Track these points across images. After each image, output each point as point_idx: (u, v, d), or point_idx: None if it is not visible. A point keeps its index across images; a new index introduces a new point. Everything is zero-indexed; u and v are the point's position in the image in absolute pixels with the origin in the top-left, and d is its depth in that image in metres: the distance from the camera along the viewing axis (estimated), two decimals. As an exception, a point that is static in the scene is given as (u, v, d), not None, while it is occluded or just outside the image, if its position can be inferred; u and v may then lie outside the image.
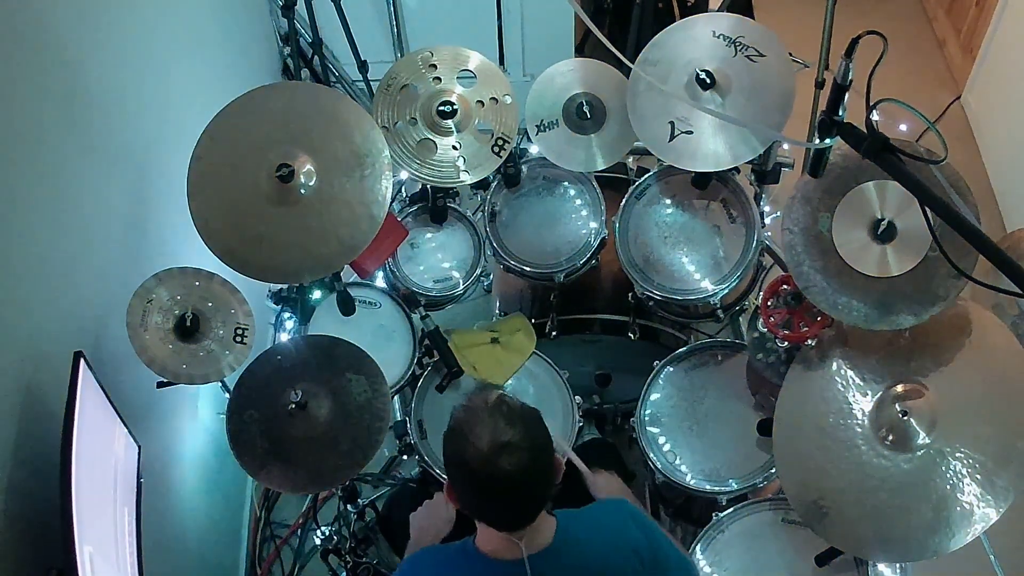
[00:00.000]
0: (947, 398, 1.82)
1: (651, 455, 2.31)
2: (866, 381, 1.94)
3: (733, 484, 2.22)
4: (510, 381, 2.46)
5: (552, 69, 2.46)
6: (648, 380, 2.40)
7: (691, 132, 2.22)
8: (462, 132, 2.35)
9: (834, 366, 1.99)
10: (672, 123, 2.23)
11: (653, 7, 3.43)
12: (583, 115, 2.41)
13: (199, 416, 2.63)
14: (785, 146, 2.53)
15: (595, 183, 2.55)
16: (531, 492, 1.52)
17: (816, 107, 2.43)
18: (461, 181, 2.36)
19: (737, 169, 2.40)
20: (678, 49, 2.24)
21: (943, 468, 1.77)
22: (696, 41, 2.23)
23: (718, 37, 2.20)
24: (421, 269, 2.54)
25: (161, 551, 2.23)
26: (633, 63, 2.10)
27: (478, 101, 2.37)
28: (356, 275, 2.45)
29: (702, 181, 2.41)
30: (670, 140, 2.24)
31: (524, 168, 2.58)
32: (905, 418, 1.82)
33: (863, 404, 1.91)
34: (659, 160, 2.39)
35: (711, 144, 2.21)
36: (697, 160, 2.24)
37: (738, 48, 2.18)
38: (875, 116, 1.55)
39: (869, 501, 1.84)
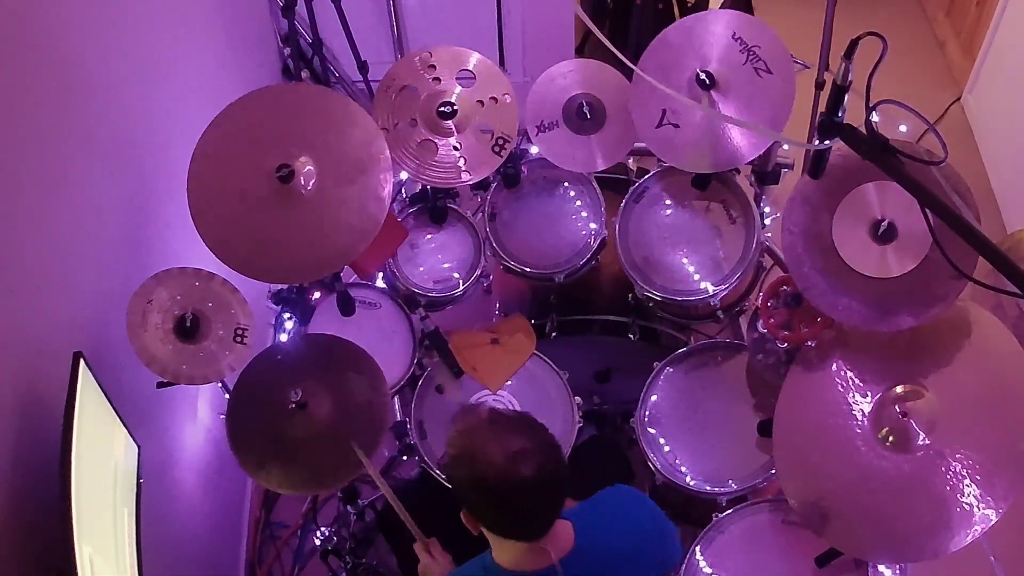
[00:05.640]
0: (947, 399, 1.82)
1: (651, 456, 2.31)
2: (866, 382, 1.94)
3: (733, 485, 2.22)
4: (510, 382, 2.46)
5: (552, 69, 2.45)
6: (648, 381, 2.40)
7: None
8: (462, 132, 2.35)
9: (834, 367, 1.99)
10: (664, 111, 2.21)
11: (653, 8, 3.43)
12: (583, 116, 2.40)
13: (199, 416, 2.63)
14: (785, 147, 2.52)
15: (595, 184, 2.55)
16: (554, 492, 1.51)
17: (816, 108, 2.43)
18: (461, 181, 2.36)
19: (737, 170, 2.41)
20: (684, 48, 2.23)
21: (943, 469, 1.77)
22: (705, 40, 2.20)
23: (736, 40, 2.17)
24: (421, 270, 2.54)
25: (161, 552, 2.22)
26: (634, 64, 2.09)
27: (478, 101, 2.37)
28: (356, 275, 2.45)
29: (702, 182, 2.40)
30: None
31: (524, 169, 2.58)
32: (905, 419, 1.82)
33: (863, 405, 1.91)
34: (659, 161, 2.39)
35: (710, 145, 2.21)
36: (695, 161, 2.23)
37: (750, 58, 2.15)
38: (875, 117, 1.55)
39: (869, 502, 1.84)
